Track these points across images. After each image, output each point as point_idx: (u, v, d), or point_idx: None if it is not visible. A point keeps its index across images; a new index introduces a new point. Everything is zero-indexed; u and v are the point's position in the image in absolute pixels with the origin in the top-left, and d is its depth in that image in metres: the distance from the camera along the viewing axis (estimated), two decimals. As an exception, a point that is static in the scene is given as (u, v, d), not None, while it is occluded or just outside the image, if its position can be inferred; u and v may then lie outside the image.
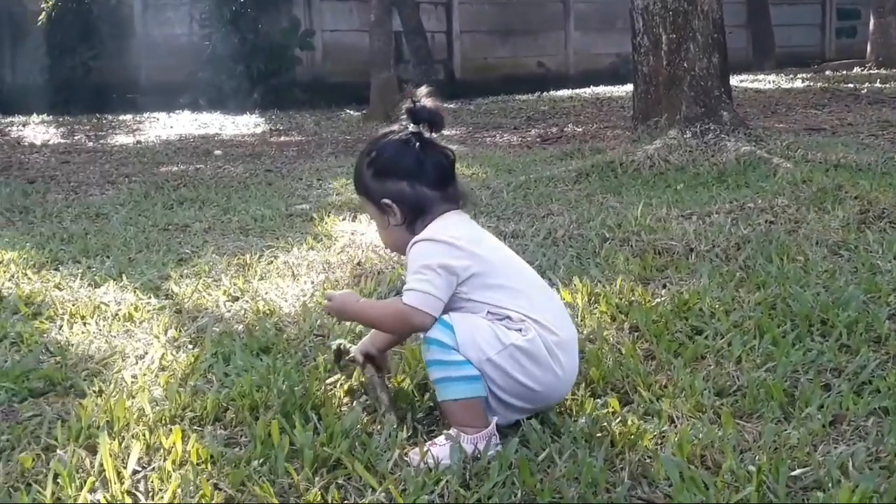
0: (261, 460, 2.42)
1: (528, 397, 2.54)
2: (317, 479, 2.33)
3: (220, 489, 2.31)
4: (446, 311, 2.54)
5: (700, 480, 2.23)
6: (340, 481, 2.35)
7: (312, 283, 4.43)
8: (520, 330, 2.53)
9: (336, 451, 2.42)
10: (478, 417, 2.49)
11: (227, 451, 2.50)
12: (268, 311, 3.97)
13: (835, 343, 3.18)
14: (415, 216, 2.65)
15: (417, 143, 2.66)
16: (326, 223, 6.03)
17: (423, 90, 2.70)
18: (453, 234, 2.58)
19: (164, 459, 2.48)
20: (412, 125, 2.67)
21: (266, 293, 4.29)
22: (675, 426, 2.60)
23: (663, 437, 2.52)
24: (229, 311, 4.07)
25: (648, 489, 2.26)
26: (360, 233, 5.66)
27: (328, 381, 3.00)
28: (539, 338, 2.52)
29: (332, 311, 2.79)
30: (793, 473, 2.24)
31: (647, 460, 2.39)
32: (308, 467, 2.37)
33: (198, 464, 2.43)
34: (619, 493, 2.23)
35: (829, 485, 2.21)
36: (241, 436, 2.67)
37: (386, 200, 2.66)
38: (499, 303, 2.55)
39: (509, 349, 2.50)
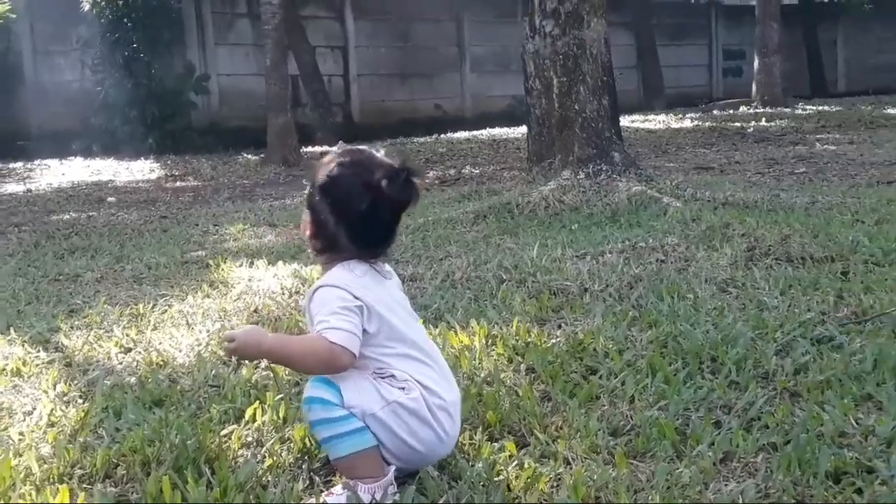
0: (152, 520, 2.37)
1: (409, 458, 2.54)
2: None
3: (110, 550, 2.26)
4: None
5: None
6: (236, 537, 2.31)
7: (208, 331, 4.37)
8: (403, 388, 2.53)
9: (230, 505, 2.38)
10: (373, 468, 2.48)
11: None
12: (161, 363, 3.90)
13: (724, 380, 3.24)
14: (323, 247, 2.64)
15: (374, 201, 2.57)
16: (223, 269, 5.96)
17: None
18: (352, 282, 2.56)
19: (52, 521, 2.42)
20: (386, 182, 2.55)
21: (160, 343, 4.22)
22: (571, 467, 2.62)
23: (559, 479, 2.54)
24: (121, 364, 3.99)
25: (544, 533, 2.28)
26: (258, 279, 5.61)
27: (223, 432, 2.95)
28: (422, 398, 2.53)
29: (234, 352, 2.53)
30: (686, 514, 2.28)
31: (543, 504, 2.40)
32: (201, 526, 2.33)
33: (87, 524, 2.37)
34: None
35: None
36: (132, 493, 2.61)
37: (307, 215, 2.65)
38: (386, 361, 2.55)
39: (392, 406, 2.50)
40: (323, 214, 2.61)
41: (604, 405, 3.08)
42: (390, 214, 2.61)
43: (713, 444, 2.73)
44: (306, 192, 2.70)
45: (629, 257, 5.20)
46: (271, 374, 3.53)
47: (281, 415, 3.02)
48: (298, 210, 8.60)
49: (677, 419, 2.93)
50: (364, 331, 2.52)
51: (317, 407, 2.47)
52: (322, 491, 2.55)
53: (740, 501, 2.37)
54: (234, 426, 2.99)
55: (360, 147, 2.72)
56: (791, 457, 2.59)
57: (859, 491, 2.46)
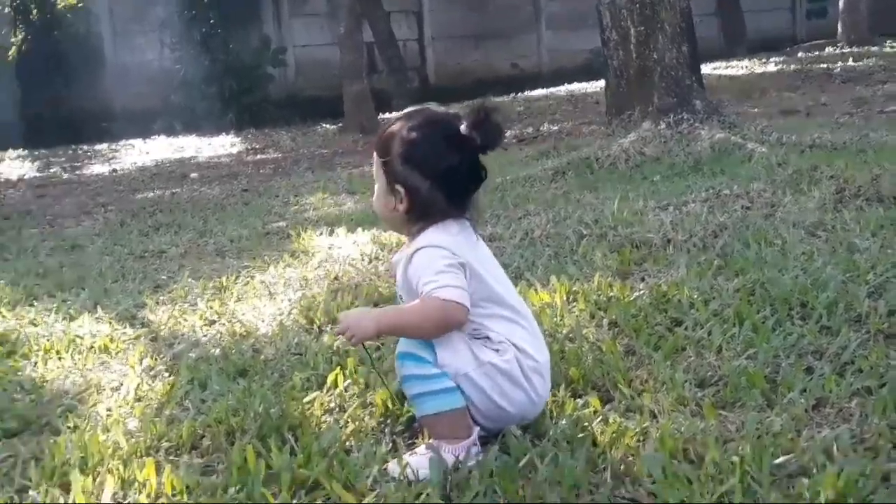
0: (237, 487, 2.36)
1: (500, 418, 2.49)
2: (295, 501, 2.28)
3: (196, 519, 2.26)
4: None
5: (683, 476, 2.18)
6: (320, 501, 2.30)
7: (289, 300, 4.38)
8: (497, 350, 2.48)
9: (314, 472, 2.37)
10: (459, 429, 2.45)
11: (203, 480, 2.44)
12: (244, 333, 3.92)
13: (815, 325, 3.14)
14: (419, 215, 2.54)
15: (461, 149, 2.52)
16: (303, 239, 5.98)
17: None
18: (451, 242, 2.49)
19: (139, 493, 2.43)
20: (465, 127, 2.51)
21: (243, 314, 4.24)
22: (657, 421, 2.55)
23: (645, 433, 2.48)
24: (205, 336, 4.02)
25: (632, 488, 2.22)
26: (338, 246, 5.62)
27: (305, 399, 2.95)
28: (516, 360, 2.48)
29: (345, 332, 2.46)
30: (776, 461, 2.20)
31: (630, 458, 2.34)
32: (286, 491, 2.32)
33: (173, 495, 2.38)
34: (602, 494, 2.19)
35: (814, 470, 2.17)
36: (217, 463, 2.62)
37: (399, 188, 2.53)
38: (481, 322, 2.50)
39: (486, 367, 2.45)
40: (414, 182, 2.51)
41: (690, 356, 3.00)
42: (474, 154, 2.53)
43: (805, 390, 2.64)
44: (375, 168, 2.62)
45: (713, 206, 5.08)
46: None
47: (362, 380, 3.00)
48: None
49: (767, 367, 2.85)
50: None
51: (409, 363, 2.44)
52: (405, 452, 2.52)
53: (834, 447, 2.27)
54: (317, 393, 2.98)
55: (420, 107, 2.65)
56: (887, 400, 2.50)
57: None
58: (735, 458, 2.22)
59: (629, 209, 5.21)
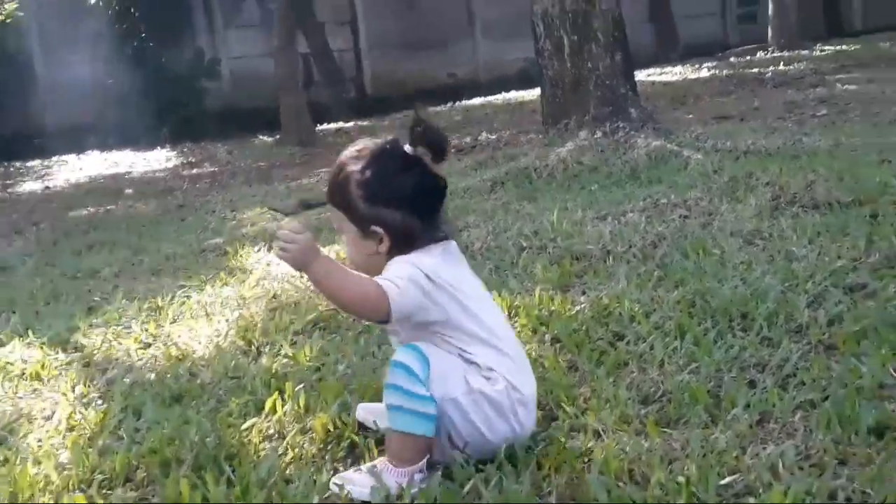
0: (174, 524, 2.30)
1: (479, 445, 2.44)
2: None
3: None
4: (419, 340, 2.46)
5: (629, 498, 2.16)
6: (260, 537, 2.23)
7: (227, 321, 4.29)
8: (489, 379, 2.44)
9: (252, 504, 2.31)
10: (416, 454, 2.39)
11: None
12: (180, 357, 3.83)
13: (756, 337, 3.14)
14: (402, 247, 2.48)
15: (415, 168, 2.48)
16: (241, 256, 5.90)
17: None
18: (435, 269, 2.44)
19: (71, 531, 2.35)
20: (409, 147, 2.48)
21: (179, 337, 4.15)
22: (602, 440, 2.52)
23: (590, 453, 2.44)
24: (140, 360, 3.93)
25: (578, 513, 2.19)
26: (276, 263, 5.53)
27: (243, 426, 2.88)
28: (506, 391, 2.44)
29: (289, 259, 2.33)
30: (722, 482, 2.18)
31: (575, 481, 2.31)
32: (224, 530, 2.25)
33: (106, 533, 2.30)
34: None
35: (760, 490, 2.15)
36: (151, 495, 2.54)
37: (376, 228, 2.48)
38: (469, 349, 2.46)
39: (475, 395, 2.41)
40: (387, 217, 2.46)
41: (632, 372, 2.98)
42: (427, 168, 2.50)
43: (748, 405, 2.63)
44: (337, 223, 2.55)
45: (651, 215, 5.08)
46: (291, 364, 3.47)
47: (301, 404, 2.94)
48: (315, 188, 8.53)
49: (709, 382, 2.83)
50: (446, 319, 2.44)
51: (400, 373, 2.37)
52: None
53: (780, 464, 2.26)
54: (255, 419, 2.91)
55: (351, 147, 2.59)
56: (830, 414, 2.49)
57: (903, 446, 2.35)
58: (681, 479, 2.20)
59: (568, 220, 5.19)
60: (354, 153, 2.53)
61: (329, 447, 2.68)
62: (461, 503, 2.24)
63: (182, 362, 3.76)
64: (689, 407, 2.67)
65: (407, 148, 2.49)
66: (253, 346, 3.84)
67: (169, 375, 3.57)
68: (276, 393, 3.01)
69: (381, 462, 2.41)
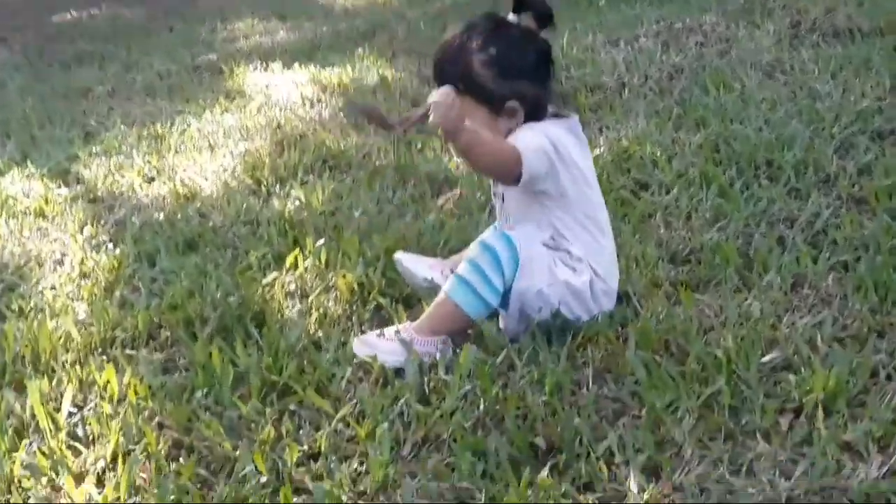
0: (204, 390, 2.26)
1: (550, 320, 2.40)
2: (267, 409, 2.18)
3: (164, 430, 2.16)
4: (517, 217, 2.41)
5: (667, 375, 2.12)
6: (293, 407, 2.20)
7: (231, 154, 4.20)
8: (574, 270, 2.38)
9: (284, 376, 2.27)
10: (451, 328, 2.36)
11: (166, 382, 2.33)
12: (188, 195, 3.76)
13: (783, 188, 3.07)
14: (532, 118, 2.39)
15: (529, 37, 2.39)
16: (237, 76, 5.75)
17: None
18: (563, 143, 2.36)
19: (100, 397, 2.32)
20: (513, 16, 2.39)
21: (184, 171, 4.07)
22: (633, 307, 2.48)
23: (625, 323, 2.40)
24: (146, 196, 3.86)
25: (615, 387, 2.16)
26: (275, 85, 5.39)
27: (264, 281, 2.83)
28: (590, 283, 2.38)
29: (448, 125, 2.18)
30: (763, 360, 2.15)
31: (610, 353, 2.27)
32: (256, 397, 2.22)
33: (137, 401, 2.27)
34: (585, 395, 2.13)
35: (801, 367, 2.12)
36: (179, 358, 2.51)
37: (512, 104, 2.37)
38: (567, 230, 2.39)
39: (559, 285, 2.35)
40: (521, 89, 2.36)
41: (659, 227, 2.92)
42: (533, 33, 2.41)
43: (781, 268, 2.58)
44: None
45: (666, 40, 4.91)
46: (304, 208, 3.39)
47: (322, 259, 2.87)
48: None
49: (738, 239, 2.78)
50: (558, 192, 2.36)
51: (487, 257, 2.31)
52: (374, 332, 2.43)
53: (818, 337, 2.23)
54: (276, 274, 2.86)
55: (449, 34, 2.46)
56: (866, 280, 2.44)
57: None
58: (719, 354, 2.17)
59: (579, 45, 5.03)
60: (457, 36, 2.40)
61: (355, 308, 2.64)
62: (496, 376, 2.20)
63: (191, 202, 3.69)
64: (720, 269, 2.61)
65: (511, 17, 2.39)
66: (262, 186, 3.75)
67: (179, 217, 3.50)
68: (297, 249, 2.93)
69: (405, 329, 2.36)
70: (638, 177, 3.29)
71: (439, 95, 2.21)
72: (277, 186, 3.72)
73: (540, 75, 2.40)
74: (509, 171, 2.30)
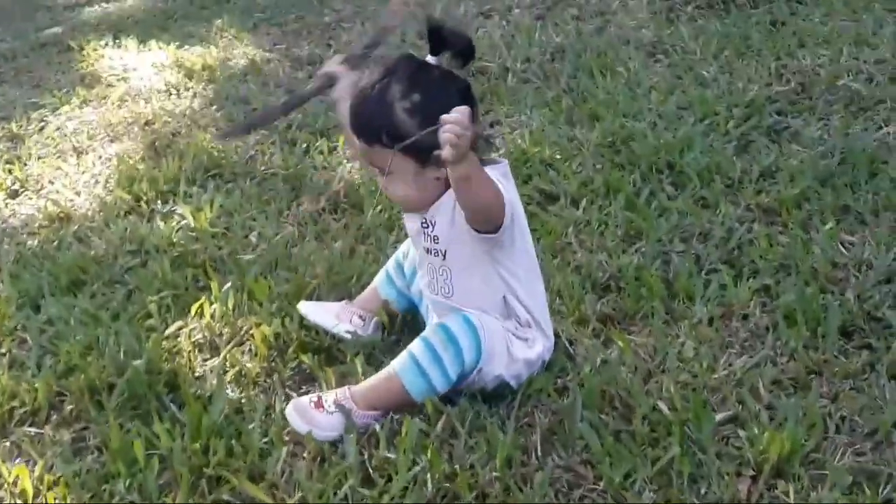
0: (126, 482, 2.10)
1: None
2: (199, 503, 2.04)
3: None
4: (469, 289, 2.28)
5: (617, 441, 2.07)
6: (226, 497, 2.07)
7: (101, 160, 3.94)
8: (527, 341, 2.28)
9: (213, 461, 2.12)
10: (390, 407, 2.23)
11: (81, 470, 2.15)
12: (61, 215, 3.50)
13: (690, 198, 3.05)
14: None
15: (451, 76, 2.21)
16: (89, 55, 5.40)
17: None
18: (507, 190, 2.20)
19: (11, 495, 2.13)
20: (431, 57, 2.21)
21: (51, 183, 3.79)
22: (565, 350, 2.42)
23: (560, 374, 2.33)
24: (14, 217, 3.58)
25: (566, 454, 2.09)
26: (133, 68, 5.09)
27: (167, 332, 2.65)
28: (541, 351, 2.30)
29: (460, 150, 1.99)
30: (716, 419, 2.11)
31: (554, 414, 2.20)
32: (185, 490, 2.07)
33: (55, 500, 2.09)
34: (534, 465, 2.06)
35: (749, 420, 2.10)
36: (88, 437, 2.32)
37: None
38: (516, 281, 2.26)
39: (518, 363, 2.26)
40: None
41: (574, 249, 2.86)
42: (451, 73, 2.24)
43: (706, 299, 2.55)
44: (380, 164, 2.20)
45: (542, 13, 4.82)
46: (191, 230, 3.20)
47: (230, 304, 2.71)
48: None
49: (656, 260, 2.74)
50: (509, 242, 2.23)
51: (446, 344, 2.18)
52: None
53: (759, 384, 2.21)
54: (179, 323, 2.68)
55: (360, 86, 2.25)
56: (794, 312, 2.44)
57: (870, 348, 2.34)
58: (666, 412, 2.13)
59: (452, 20, 4.89)
60: (381, 83, 2.19)
61: (274, 364, 2.49)
62: (440, 449, 2.11)
63: (66, 224, 3.44)
64: (645, 301, 2.57)
65: (430, 59, 2.22)
66: (142, 203, 3.53)
67: (55, 244, 3.27)
68: (200, 296, 2.75)
69: (343, 397, 2.23)
70: (542, 187, 3.21)
71: (459, 113, 1.99)
72: (159, 202, 3.50)
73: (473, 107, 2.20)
74: (498, 212, 2.15)
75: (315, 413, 2.21)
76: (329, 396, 2.24)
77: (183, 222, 3.30)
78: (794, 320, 2.42)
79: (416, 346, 2.21)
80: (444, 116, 1.98)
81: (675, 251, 2.79)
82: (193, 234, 3.22)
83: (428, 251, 2.32)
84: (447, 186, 2.21)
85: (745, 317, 2.49)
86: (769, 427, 2.06)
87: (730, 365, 2.31)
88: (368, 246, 2.99)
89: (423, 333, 2.24)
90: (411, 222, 2.34)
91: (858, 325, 2.40)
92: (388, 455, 2.09)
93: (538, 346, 2.30)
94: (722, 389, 2.22)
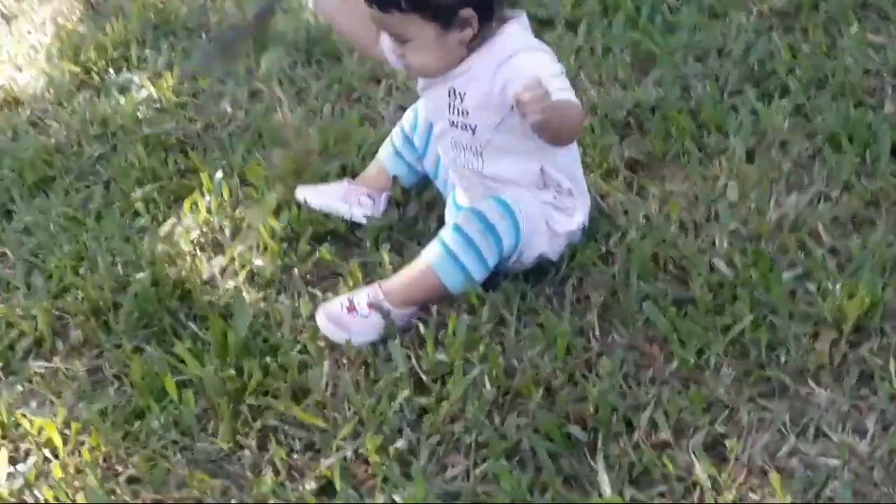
0: (161, 419, 1.93)
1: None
2: (245, 438, 1.88)
3: (136, 487, 1.84)
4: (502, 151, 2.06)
5: (679, 310, 1.94)
6: (272, 422, 1.91)
7: (36, 27, 3.60)
8: (568, 211, 2.10)
9: (250, 385, 1.95)
10: (426, 301, 2.06)
11: (107, 409, 1.98)
12: (9, 100, 3.19)
13: (696, 8, 2.85)
14: (484, 26, 1.97)
15: None
16: None
17: None
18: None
19: (38, 447, 1.96)
20: None
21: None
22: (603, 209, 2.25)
23: (604, 239, 2.17)
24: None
25: (626, 332, 1.95)
26: None
27: (162, 232, 2.42)
28: (582, 220, 2.13)
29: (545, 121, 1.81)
30: (784, 277, 1.97)
31: (605, 286, 2.05)
32: (227, 424, 1.90)
33: (89, 451, 1.92)
34: (606, 358, 1.92)
35: (821, 277, 1.96)
36: (105, 366, 2.12)
37: (467, 11, 1.92)
38: (556, 157, 2.06)
39: (560, 237, 2.10)
40: None
41: (584, 86, 2.64)
42: None
43: (738, 129, 2.38)
44: (399, 30, 1.97)
45: None
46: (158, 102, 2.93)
47: (226, 195, 2.48)
48: None
49: (674, 88, 2.54)
50: None
51: (481, 230, 2.01)
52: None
53: (819, 226, 2.07)
54: (172, 220, 2.45)
55: None
56: (839, 136, 2.28)
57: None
58: (726, 272, 1.99)
59: None
60: None
61: (287, 258, 2.29)
62: (497, 350, 1.95)
63: (16, 109, 3.14)
64: (674, 140, 2.40)
65: None
66: (93, 73, 3.21)
67: (10, 134, 2.98)
68: (195, 191, 2.51)
69: (374, 295, 2.05)
70: (532, 11, 2.93)
71: (529, 91, 1.78)
72: (111, 72, 3.19)
73: None
74: (580, 128, 2.03)
75: (349, 319, 2.04)
76: (360, 298, 2.06)
77: (144, 93, 3.01)
78: (839, 144, 2.27)
79: (448, 235, 2.03)
80: (522, 97, 1.77)
81: (692, 75, 2.59)
82: (158, 106, 2.95)
83: (454, 124, 2.09)
84: (470, 50, 1.98)
85: (784, 144, 2.33)
86: (840, 277, 1.93)
87: (780, 206, 2.16)
88: (357, 104, 2.75)
89: (457, 221, 2.05)
90: (433, 92, 2.10)
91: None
92: (440, 357, 1.94)
93: (579, 215, 2.12)
94: (778, 236, 2.09)
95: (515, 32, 2.00)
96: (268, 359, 2.00)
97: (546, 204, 2.08)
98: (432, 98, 2.12)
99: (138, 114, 2.91)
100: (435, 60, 2.01)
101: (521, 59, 1.95)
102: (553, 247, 2.09)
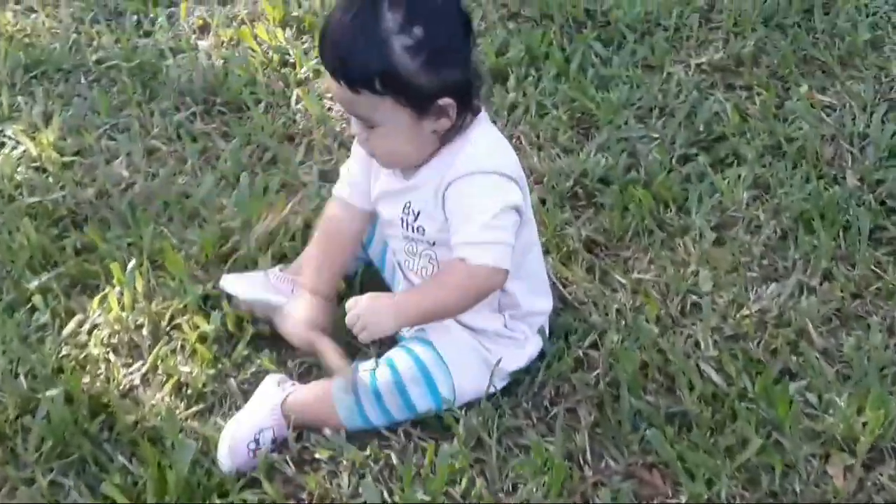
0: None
1: None
2: None
3: None
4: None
5: (682, 446, 1.79)
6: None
7: None
8: (520, 340, 1.91)
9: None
10: (313, 425, 1.89)
11: None
12: None
13: (630, 60, 2.67)
14: (461, 116, 1.77)
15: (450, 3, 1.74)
16: None
17: None
18: (513, 166, 1.82)
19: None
20: None
21: None
22: (565, 298, 2.07)
23: (576, 344, 2.00)
24: None
25: (622, 457, 1.78)
26: None
27: (64, 333, 2.11)
28: (532, 353, 1.94)
29: (355, 326, 1.76)
30: (790, 392, 1.83)
31: (590, 399, 1.88)
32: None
33: None
34: (604, 489, 1.75)
35: (821, 386, 1.84)
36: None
37: (446, 100, 1.71)
38: (515, 271, 1.81)
39: (503, 374, 1.90)
40: (453, 77, 1.71)
41: (524, 150, 2.45)
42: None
43: (697, 203, 2.24)
44: (365, 115, 1.74)
45: None
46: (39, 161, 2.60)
47: (139, 288, 2.18)
48: None
49: (621, 155, 2.39)
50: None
51: (419, 380, 1.84)
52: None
53: (808, 325, 1.96)
54: (80, 317, 2.13)
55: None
56: (809, 214, 2.18)
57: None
58: (720, 382, 1.85)
59: None
60: (374, 7, 1.66)
61: (220, 363, 2.02)
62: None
63: None
64: (631, 216, 2.24)
65: None
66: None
67: None
68: (99, 275, 2.21)
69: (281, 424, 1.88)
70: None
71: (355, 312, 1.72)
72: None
73: (466, 53, 1.76)
74: (487, 290, 1.80)
75: (245, 453, 1.84)
76: (267, 435, 1.86)
77: (22, 150, 2.66)
78: (810, 224, 2.16)
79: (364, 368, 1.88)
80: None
81: (636, 137, 2.44)
82: (38, 165, 2.61)
83: (408, 239, 1.89)
84: (442, 142, 1.77)
85: (750, 222, 2.21)
86: (843, 387, 1.81)
87: (760, 299, 2.03)
88: (272, 168, 2.49)
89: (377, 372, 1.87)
90: (386, 205, 1.90)
91: (879, 224, 2.16)
92: (420, 497, 1.73)
93: (530, 346, 1.94)
94: (762, 334, 1.96)
95: (477, 139, 1.80)
96: (217, 501, 1.75)
97: (493, 336, 1.90)
98: (384, 210, 1.92)
99: (16, 176, 2.56)
100: (403, 148, 1.79)
101: (482, 181, 1.76)
102: (496, 381, 1.90)
